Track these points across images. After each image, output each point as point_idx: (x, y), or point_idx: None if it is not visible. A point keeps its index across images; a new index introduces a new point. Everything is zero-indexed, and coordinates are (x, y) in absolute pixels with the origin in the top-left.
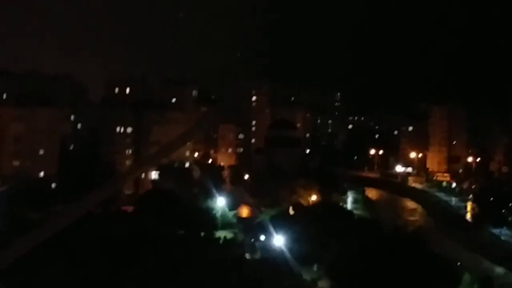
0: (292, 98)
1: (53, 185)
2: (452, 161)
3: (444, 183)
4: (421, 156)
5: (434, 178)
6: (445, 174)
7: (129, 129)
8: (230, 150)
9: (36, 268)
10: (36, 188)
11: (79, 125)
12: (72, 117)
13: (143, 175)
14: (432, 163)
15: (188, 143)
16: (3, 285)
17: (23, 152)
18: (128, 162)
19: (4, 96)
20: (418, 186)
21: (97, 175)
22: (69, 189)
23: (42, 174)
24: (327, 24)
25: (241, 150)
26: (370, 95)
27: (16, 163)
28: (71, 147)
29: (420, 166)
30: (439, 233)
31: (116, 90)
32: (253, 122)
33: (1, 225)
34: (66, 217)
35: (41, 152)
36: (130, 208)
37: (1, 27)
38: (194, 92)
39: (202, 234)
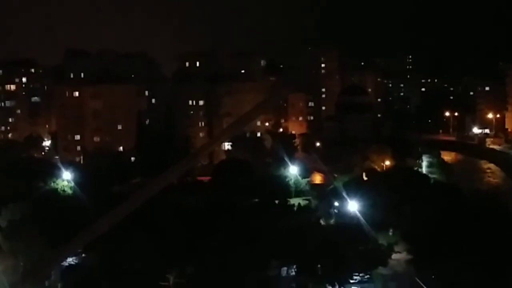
0: (362, 63)
1: (132, 159)
2: None
3: None
4: (499, 117)
5: None
6: None
7: (201, 102)
8: (300, 118)
9: (119, 237)
10: (117, 162)
11: (153, 100)
12: (147, 93)
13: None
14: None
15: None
16: (90, 254)
17: (102, 128)
18: (201, 134)
19: (82, 75)
20: (496, 147)
21: (173, 148)
22: (148, 162)
23: (121, 148)
24: None
25: (312, 118)
26: (443, 57)
27: (96, 139)
28: (147, 122)
29: (498, 127)
30: None
31: (187, 64)
32: (323, 89)
33: (89, 199)
34: (149, 191)
35: (119, 127)
36: (206, 179)
37: (76, 9)
38: (263, 62)
39: (277, 202)
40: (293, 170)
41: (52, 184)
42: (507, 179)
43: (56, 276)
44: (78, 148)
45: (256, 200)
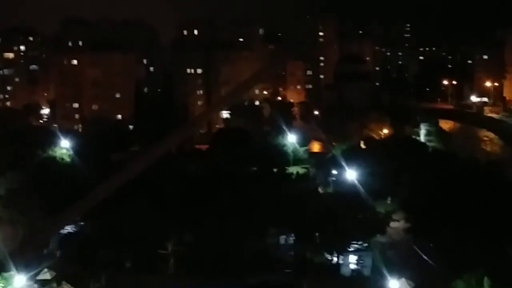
0: (360, 32)
1: (131, 127)
2: None
3: None
4: (498, 85)
5: None
6: None
7: (199, 70)
8: (299, 87)
9: (118, 204)
10: (115, 130)
11: (151, 68)
12: (145, 61)
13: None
14: (510, 92)
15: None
16: (89, 221)
17: (100, 96)
18: (200, 103)
19: (80, 43)
20: (494, 116)
21: (171, 116)
22: (146, 130)
23: (119, 116)
24: None
25: (310, 86)
26: (442, 25)
27: (95, 107)
28: (145, 90)
29: (496, 95)
30: None
31: (185, 32)
32: (321, 58)
33: (88, 167)
34: (148, 159)
35: (118, 95)
36: (204, 147)
37: None
38: (261, 31)
39: (275, 170)
40: (291, 139)
41: (51, 152)
42: (505, 147)
43: (55, 244)
44: (77, 116)
45: (255, 168)
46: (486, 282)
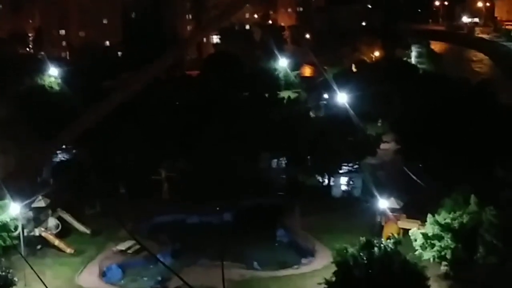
0: None
1: (119, 54)
2: None
3: None
4: (489, 5)
5: (503, 27)
6: None
7: None
8: (289, 9)
9: (111, 131)
10: (104, 57)
11: None
12: None
13: (205, 39)
14: (501, 12)
15: (247, 5)
16: (82, 149)
17: (87, 22)
18: (189, 27)
19: None
20: (485, 36)
21: (160, 41)
22: (135, 56)
23: (107, 43)
24: None
25: (301, 9)
26: None
27: (82, 33)
28: (133, 15)
29: (487, 16)
30: (507, 84)
31: None
32: None
33: (77, 95)
34: (135, 84)
35: (105, 21)
36: (194, 73)
37: None
38: None
39: (266, 95)
40: (282, 63)
41: (39, 80)
42: (495, 68)
43: (48, 172)
44: (64, 43)
45: (246, 93)
46: (472, 199)
